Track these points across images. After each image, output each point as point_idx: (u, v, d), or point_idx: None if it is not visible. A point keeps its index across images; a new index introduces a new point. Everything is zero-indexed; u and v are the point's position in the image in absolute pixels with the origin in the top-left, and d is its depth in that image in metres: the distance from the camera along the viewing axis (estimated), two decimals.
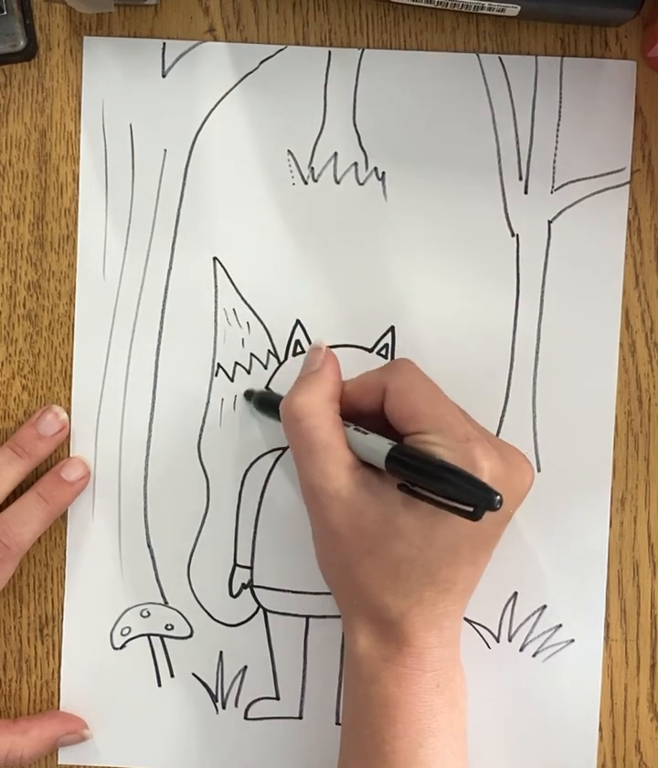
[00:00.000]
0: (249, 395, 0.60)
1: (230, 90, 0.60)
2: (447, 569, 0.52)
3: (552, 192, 0.59)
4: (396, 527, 0.52)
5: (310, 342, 0.60)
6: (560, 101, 0.59)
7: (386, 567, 0.53)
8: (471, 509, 0.49)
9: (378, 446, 0.53)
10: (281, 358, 0.60)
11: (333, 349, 0.60)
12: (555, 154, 0.59)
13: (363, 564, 0.53)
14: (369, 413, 0.56)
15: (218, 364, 0.60)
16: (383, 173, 0.59)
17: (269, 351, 0.60)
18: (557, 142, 0.59)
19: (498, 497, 0.49)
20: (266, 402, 0.59)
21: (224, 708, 0.61)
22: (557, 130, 0.59)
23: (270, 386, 0.60)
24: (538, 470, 0.60)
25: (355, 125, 0.59)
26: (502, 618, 0.60)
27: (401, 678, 0.53)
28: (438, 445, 0.52)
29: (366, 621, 0.54)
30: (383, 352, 0.60)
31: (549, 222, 0.59)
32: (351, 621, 0.55)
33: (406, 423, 0.54)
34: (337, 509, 0.53)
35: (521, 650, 0.60)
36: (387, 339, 0.60)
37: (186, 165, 0.60)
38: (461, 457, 0.52)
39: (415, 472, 0.51)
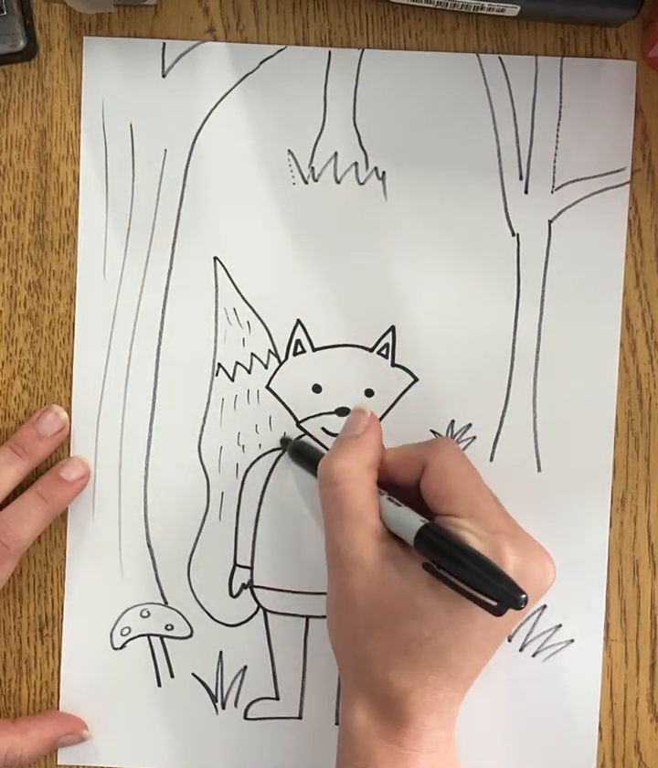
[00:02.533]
0: (285, 442, 0.60)
1: (230, 91, 0.60)
2: (456, 656, 0.52)
3: (552, 192, 0.59)
4: (414, 605, 0.52)
5: (310, 341, 0.60)
6: (560, 101, 0.59)
7: (395, 643, 0.52)
8: (494, 603, 0.49)
9: (410, 522, 0.53)
10: (282, 358, 0.60)
11: (332, 349, 0.60)
12: (555, 154, 0.59)
13: (372, 636, 0.53)
14: (404, 485, 0.56)
15: (219, 364, 0.60)
16: (383, 173, 0.59)
17: (269, 351, 0.60)
18: (557, 142, 0.59)
19: (524, 597, 0.49)
20: (301, 453, 0.59)
21: (224, 708, 0.61)
22: (557, 130, 0.59)
23: (270, 386, 0.60)
24: (538, 470, 0.60)
25: (355, 125, 0.59)
26: None
27: (396, 758, 0.52)
28: (469, 531, 0.52)
29: (366, 695, 0.54)
30: (383, 352, 0.60)
31: (549, 222, 0.59)
32: (351, 694, 0.54)
33: (440, 503, 0.54)
34: (359, 577, 0.53)
35: (521, 650, 0.60)
36: (388, 339, 0.60)
37: (186, 165, 0.60)
38: (490, 548, 0.52)
39: (443, 555, 0.51)
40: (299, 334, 0.60)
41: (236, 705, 0.61)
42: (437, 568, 0.51)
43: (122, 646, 0.61)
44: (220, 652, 0.61)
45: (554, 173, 0.59)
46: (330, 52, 0.59)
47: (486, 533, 0.52)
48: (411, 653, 0.52)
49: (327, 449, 0.60)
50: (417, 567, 0.52)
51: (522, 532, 0.55)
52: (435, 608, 0.52)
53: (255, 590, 0.61)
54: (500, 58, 0.59)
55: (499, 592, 0.49)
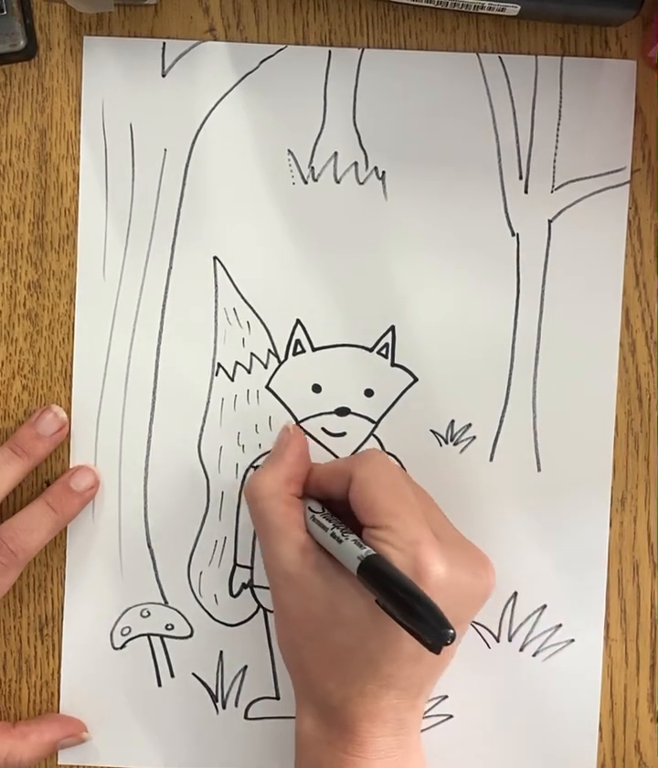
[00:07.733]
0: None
1: (230, 90, 0.60)
2: (389, 664, 0.52)
3: (552, 191, 0.59)
4: (340, 615, 0.52)
5: (310, 341, 0.60)
6: (560, 101, 0.59)
7: (328, 653, 0.53)
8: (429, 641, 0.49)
9: (351, 554, 0.52)
10: (282, 358, 0.60)
11: (332, 349, 0.60)
12: (555, 154, 0.59)
13: (307, 647, 0.54)
14: (337, 498, 0.56)
15: (218, 363, 0.60)
16: (383, 172, 0.59)
17: (269, 350, 0.60)
18: (557, 141, 0.59)
19: (451, 632, 0.48)
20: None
21: (224, 707, 0.61)
22: (557, 130, 0.59)
23: (270, 386, 0.60)
24: (538, 470, 0.60)
25: (355, 125, 0.59)
26: (502, 618, 0.60)
27: (343, 765, 0.52)
28: (388, 544, 0.52)
29: (312, 703, 0.54)
30: (383, 352, 0.60)
31: (549, 222, 0.59)
32: (300, 703, 0.55)
33: (364, 514, 0.54)
34: (288, 591, 0.54)
35: (521, 650, 0.60)
36: (387, 339, 0.60)
37: (186, 165, 0.60)
38: (409, 559, 0.52)
39: (382, 591, 0.50)
40: (298, 334, 0.60)
41: (236, 705, 0.61)
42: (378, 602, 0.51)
43: (122, 646, 0.61)
44: (220, 652, 0.61)
45: (554, 172, 0.59)
46: (330, 52, 0.59)
47: (405, 544, 0.52)
48: (342, 661, 0.53)
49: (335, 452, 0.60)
50: (342, 575, 0.52)
51: (450, 539, 0.55)
52: (361, 617, 0.52)
53: (255, 589, 0.61)
54: (500, 57, 0.59)
55: (429, 631, 0.48)
